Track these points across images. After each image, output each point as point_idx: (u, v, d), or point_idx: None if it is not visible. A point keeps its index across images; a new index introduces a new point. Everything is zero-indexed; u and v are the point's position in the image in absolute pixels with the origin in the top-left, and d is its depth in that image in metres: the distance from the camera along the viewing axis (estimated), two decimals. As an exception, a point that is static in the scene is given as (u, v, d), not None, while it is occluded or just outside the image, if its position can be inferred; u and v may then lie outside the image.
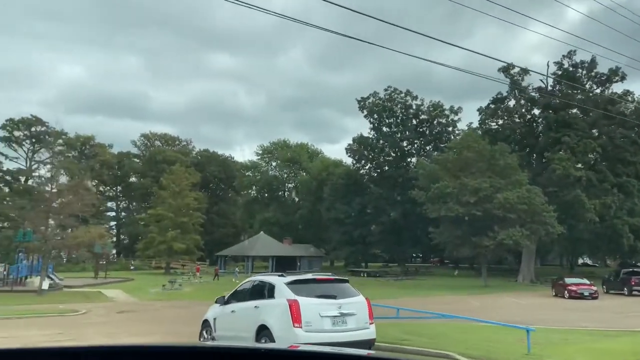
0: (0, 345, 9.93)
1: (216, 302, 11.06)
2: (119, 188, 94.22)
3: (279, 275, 9.85)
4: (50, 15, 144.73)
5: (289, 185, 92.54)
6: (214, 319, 10.80)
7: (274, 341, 8.37)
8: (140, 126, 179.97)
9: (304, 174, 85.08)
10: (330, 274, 12.16)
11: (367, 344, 8.66)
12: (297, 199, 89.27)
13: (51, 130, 78.23)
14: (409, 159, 68.15)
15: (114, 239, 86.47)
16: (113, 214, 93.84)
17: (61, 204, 31.86)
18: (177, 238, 60.50)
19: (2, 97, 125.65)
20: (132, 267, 68.48)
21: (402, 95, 66.04)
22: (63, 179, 37.78)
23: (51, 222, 32.76)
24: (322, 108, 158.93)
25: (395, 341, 11.85)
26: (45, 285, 32.62)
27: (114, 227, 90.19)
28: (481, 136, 50.34)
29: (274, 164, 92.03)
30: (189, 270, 59.61)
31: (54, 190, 33.31)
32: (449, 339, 12.39)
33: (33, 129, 78.85)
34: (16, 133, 78.85)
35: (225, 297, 10.82)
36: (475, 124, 58.70)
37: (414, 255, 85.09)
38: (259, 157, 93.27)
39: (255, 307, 9.38)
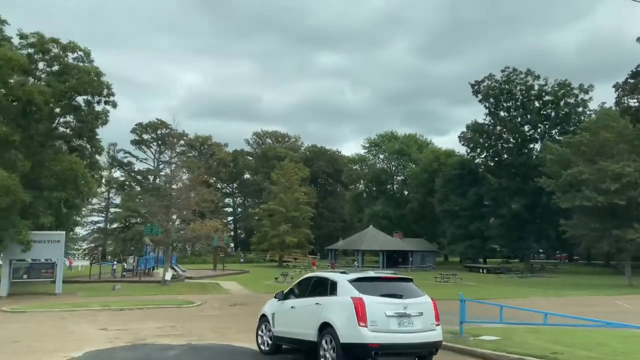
0: (113, 338, 9.26)
1: (275, 297, 10.82)
2: (235, 185, 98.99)
3: (341, 272, 9.72)
4: (172, 30, 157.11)
5: (398, 177, 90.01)
6: (272, 314, 10.55)
7: (339, 340, 8.26)
8: (252, 127, 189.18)
9: (414, 165, 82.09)
10: (392, 272, 11.87)
11: (434, 345, 8.64)
12: (406, 192, 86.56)
13: (174, 132, 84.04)
14: (530, 145, 62.21)
15: (232, 233, 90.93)
16: (230, 209, 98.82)
17: (182, 200, 33.37)
18: (289, 232, 61.46)
19: (133, 106, 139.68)
20: (241, 260, 70.96)
21: (522, 76, 60.35)
22: (184, 176, 39.73)
23: (174, 217, 34.33)
24: (429, 99, 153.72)
25: (544, 353, 9.66)
26: (168, 276, 34.28)
27: (231, 222, 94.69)
28: (619, 115, 43.96)
29: (381, 156, 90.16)
30: (301, 263, 60.28)
31: (176, 187, 34.94)
32: (614, 353, 9.89)
33: (159, 131, 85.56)
34: (145, 136, 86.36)
35: (284, 292, 10.60)
36: (609, 104, 51.74)
37: (540, 251, 78.03)
38: (366, 150, 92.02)
39: (317, 303, 9.16)
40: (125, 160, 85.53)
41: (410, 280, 9.49)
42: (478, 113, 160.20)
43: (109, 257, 70.52)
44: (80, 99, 30.15)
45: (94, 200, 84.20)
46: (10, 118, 25.87)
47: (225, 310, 20.53)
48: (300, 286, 10.35)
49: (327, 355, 8.53)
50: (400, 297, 8.66)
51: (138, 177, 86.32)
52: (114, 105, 30.47)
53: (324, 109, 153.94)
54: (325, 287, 9.23)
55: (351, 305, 8.30)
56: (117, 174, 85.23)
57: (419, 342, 8.37)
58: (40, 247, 26.56)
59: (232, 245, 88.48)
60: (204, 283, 35.07)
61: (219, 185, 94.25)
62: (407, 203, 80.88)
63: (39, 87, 26.89)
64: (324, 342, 8.64)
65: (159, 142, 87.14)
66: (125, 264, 41.78)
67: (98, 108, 30.15)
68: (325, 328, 8.65)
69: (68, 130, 30.96)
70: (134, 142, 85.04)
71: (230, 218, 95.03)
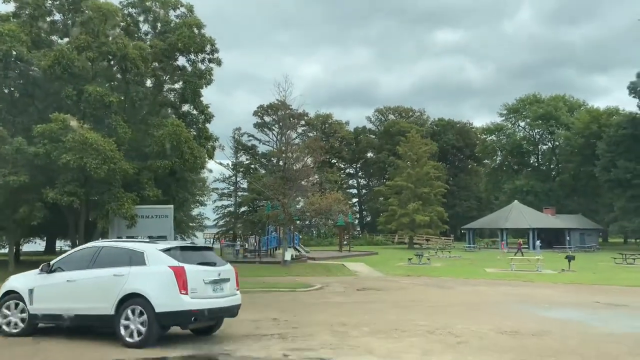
0: None
1: (40, 269, 9.44)
2: (358, 165, 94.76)
3: (148, 242, 9.60)
4: (292, 24, 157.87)
5: (543, 146, 78.00)
6: (30, 289, 9.30)
7: (153, 309, 8.10)
8: (370, 112, 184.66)
9: (563, 131, 69.96)
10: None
11: (238, 308, 9.32)
12: (554, 163, 74.61)
13: (294, 112, 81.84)
14: None
15: (357, 215, 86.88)
16: (354, 191, 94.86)
17: (300, 172, 29.69)
18: (419, 210, 55.11)
19: (258, 101, 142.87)
20: (344, 243, 65.31)
21: None
22: (306, 157, 35.94)
23: (291, 190, 30.61)
24: (560, 69, 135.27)
25: None
26: (288, 256, 30.58)
27: (356, 204, 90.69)
28: None
29: (522, 123, 78.72)
30: (435, 244, 53.74)
31: (297, 166, 31.36)
32: None
33: (280, 112, 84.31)
34: (266, 118, 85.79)
35: (50, 264, 9.51)
36: None
37: None
38: (503, 118, 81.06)
39: (115, 275, 8.63)
40: (249, 144, 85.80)
41: (211, 249, 10.37)
42: (621, 80, 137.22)
43: (225, 238, 70.96)
44: (182, 60, 27.20)
45: (222, 185, 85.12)
46: (105, 78, 23.56)
47: (350, 297, 15.49)
48: (78, 257, 9.48)
49: (133, 327, 8.26)
50: (214, 265, 9.17)
51: (262, 160, 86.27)
52: (219, 62, 27.00)
53: (444, 89, 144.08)
54: (126, 258, 8.84)
55: (170, 274, 8.30)
56: (243, 157, 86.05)
57: (229, 306, 8.96)
58: (146, 222, 24.03)
59: (357, 228, 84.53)
60: (327, 264, 30.72)
61: (341, 165, 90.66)
62: (556, 175, 69.25)
63: (137, 43, 24.20)
64: (128, 313, 8.33)
65: (280, 124, 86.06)
66: (247, 244, 39.42)
67: (201, 67, 26.88)
68: (130, 299, 8.34)
69: (172, 96, 28.22)
70: (256, 125, 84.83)
71: (354, 200, 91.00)
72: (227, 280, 8.97)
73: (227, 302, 8.82)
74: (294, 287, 17.35)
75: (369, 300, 14.71)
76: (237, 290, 9.28)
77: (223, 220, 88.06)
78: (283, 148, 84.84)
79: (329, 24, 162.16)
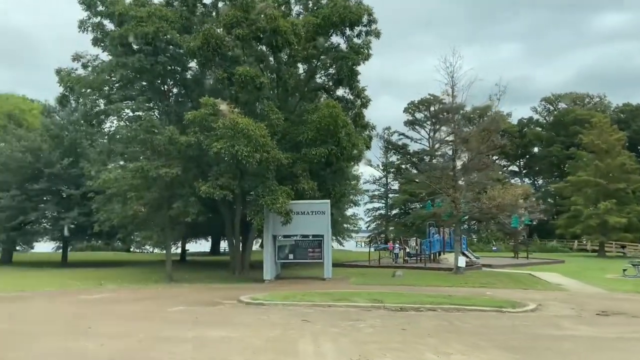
0: None
1: None
2: (522, 162, 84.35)
3: None
4: (431, 25, 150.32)
5: None
6: None
7: None
8: (522, 112, 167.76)
9: None
10: None
11: None
12: None
13: (449, 105, 75.22)
14: None
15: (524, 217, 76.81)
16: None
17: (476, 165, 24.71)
18: (613, 210, 45.17)
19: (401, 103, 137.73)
20: (494, 248, 55.81)
21: None
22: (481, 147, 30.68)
23: (461, 182, 25.65)
24: None
25: None
26: (462, 262, 25.55)
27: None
28: None
29: None
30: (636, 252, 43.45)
31: (470, 156, 26.35)
32: None
33: (432, 108, 78.59)
34: (417, 115, 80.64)
35: None
36: None
37: None
38: None
39: None
40: (400, 143, 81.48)
41: None
42: None
43: (380, 240, 66.89)
44: (336, 39, 24.02)
45: (373, 187, 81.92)
46: (256, 58, 21.35)
47: (598, 326, 10.24)
48: None
49: None
50: None
51: (413, 159, 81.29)
52: (377, 34, 23.24)
53: (610, 79, 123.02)
54: None
55: None
56: (393, 157, 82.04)
57: None
58: (300, 219, 21.22)
59: (524, 233, 74.54)
60: (510, 274, 25.00)
61: (503, 162, 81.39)
62: None
63: (289, 19, 21.64)
64: None
65: (433, 120, 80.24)
66: (407, 248, 35.16)
67: (357, 41, 23.33)
68: None
69: (326, 79, 25.19)
70: (407, 123, 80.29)
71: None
72: None
73: None
74: (496, 306, 12.56)
75: (636, 333, 9.39)
76: None
77: (374, 224, 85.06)
78: (437, 145, 78.23)
79: (471, 22, 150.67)
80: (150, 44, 20.60)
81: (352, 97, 25.04)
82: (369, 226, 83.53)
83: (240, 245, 25.39)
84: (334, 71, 24.42)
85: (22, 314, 11.53)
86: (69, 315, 11.11)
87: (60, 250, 35.26)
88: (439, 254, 35.01)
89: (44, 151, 30.90)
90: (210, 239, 49.12)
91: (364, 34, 23.22)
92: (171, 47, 21.50)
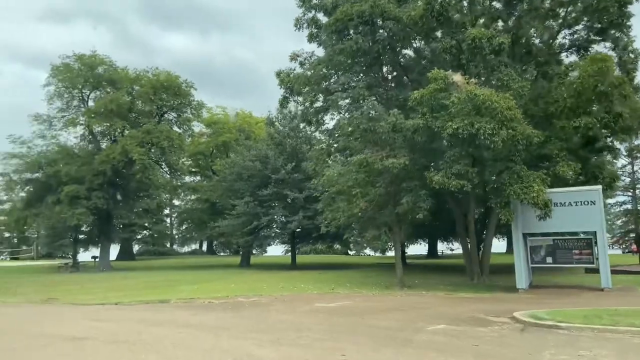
0: None
1: None
2: None
3: None
4: None
5: None
6: None
7: None
8: None
9: None
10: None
11: None
12: None
13: None
14: None
15: None
16: None
17: None
18: None
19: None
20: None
21: None
22: None
23: None
24: None
25: None
26: None
27: None
28: None
29: None
30: None
31: None
32: None
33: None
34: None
35: None
36: None
37: None
38: None
39: None
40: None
41: None
42: None
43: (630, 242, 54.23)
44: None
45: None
46: (489, 16, 17.56)
47: None
48: None
49: None
50: None
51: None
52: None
53: None
54: None
55: None
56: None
57: None
58: (561, 212, 16.57)
59: None
60: None
61: None
62: None
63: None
64: None
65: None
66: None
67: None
68: None
69: (584, 34, 19.75)
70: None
71: None
72: None
73: None
74: None
75: None
76: None
77: (620, 221, 71.11)
78: None
79: None
80: (367, 22, 18.72)
81: (615, 54, 19.21)
82: (612, 224, 70.26)
83: (468, 245, 21.74)
84: (587, 23, 19.03)
85: (263, 326, 10.11)
86: (316, 331, 9.20)
87: (289, 254, 36.55)
88: None
89: (270, 158, 32.18)
90: (427, 240, 46.11)
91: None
92: (389, 22, 19.26)
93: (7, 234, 60.26)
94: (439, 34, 19.52)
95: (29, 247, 54.85)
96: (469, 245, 21.59)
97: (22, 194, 37.11)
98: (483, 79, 17.25)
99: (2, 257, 55.64)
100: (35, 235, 51.82)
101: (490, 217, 21.27)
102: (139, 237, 48.20)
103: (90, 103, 35.18)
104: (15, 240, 58.87)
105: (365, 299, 15.00)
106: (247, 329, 9.57)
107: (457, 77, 15.40)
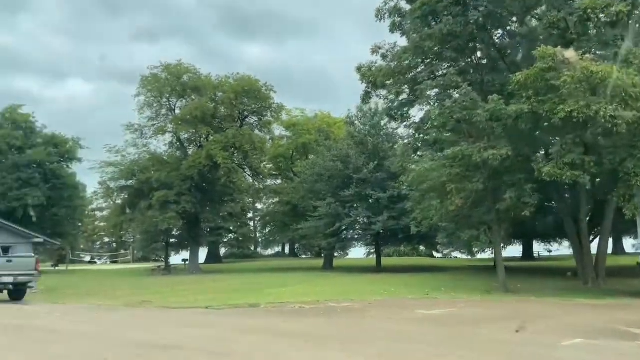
0: None
1: None
2: None
3: None
4: None
5: None
6: None
7: None
8: None
9: None
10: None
11: None
12: None
13: None
14: None
15: None
16: None
17: None
18: None
19: None
20: None
21: None
22: None
23: None
24: None
25: None
26: None
27: None
28: None
29: None
30: None
31: None
32: None
33: None
34: None
35: None
36: None
37: None
38: None
39: None
40: None
41: None
42: None
43: None
44: None
45: None
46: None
47: None
48: None
49: None
50: None
51: None
52: None
53: None
54: None
55: None
56: None
57: None
58: None
59: None
60: None
61: None
62: None
63: None
64: None
65: None
66: None
67: None
68: None
69: None
70: None
71: None
72: None
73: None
74: None
75: None
76: None
77: None
78: None
79: None
80: (459, 2, 17.25)
81: None
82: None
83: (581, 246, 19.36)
84: None
85: (364, 336, 9.14)
86: (426, 343, 8.07)
87: (372, 256, 35.45)
88: None
89: (351, 158, 31.34)
90: (522, 241, 42.75)
91: None
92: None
93: (107, 239, 64.70)
94: (538, 11, 17.64)
95: (126, 251, 58.26)
96: (581, 245, 19.28)
97: (119, 201, 39.23)
98: (596, 54, 15.18)
99: (102, 260, 59.62)
100: (132, 240, 54.87)
101: (606, 213, 18.86)
102: (225, 240, 49.35)
103: (177, 111, 36.36)
104: (114, 244, 62.98)
105: (470, 305, 13.57)
106: (347, 339, 8.65)
107: (570, 53, 13.53)
